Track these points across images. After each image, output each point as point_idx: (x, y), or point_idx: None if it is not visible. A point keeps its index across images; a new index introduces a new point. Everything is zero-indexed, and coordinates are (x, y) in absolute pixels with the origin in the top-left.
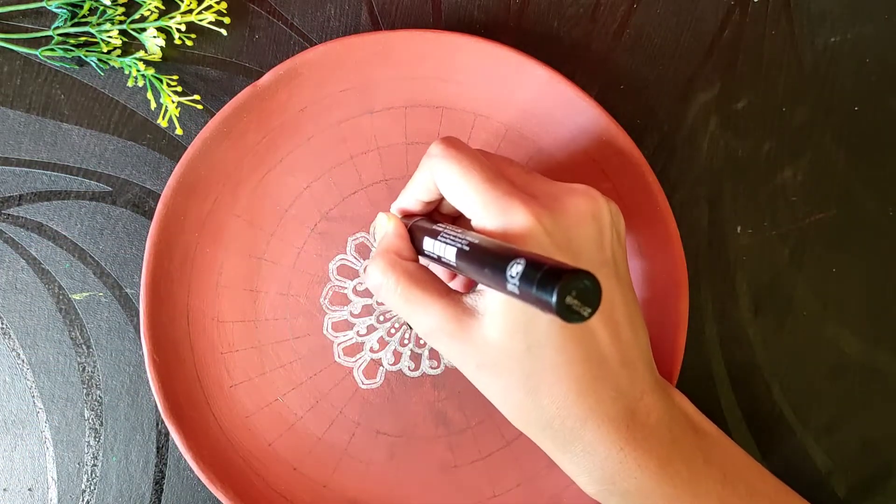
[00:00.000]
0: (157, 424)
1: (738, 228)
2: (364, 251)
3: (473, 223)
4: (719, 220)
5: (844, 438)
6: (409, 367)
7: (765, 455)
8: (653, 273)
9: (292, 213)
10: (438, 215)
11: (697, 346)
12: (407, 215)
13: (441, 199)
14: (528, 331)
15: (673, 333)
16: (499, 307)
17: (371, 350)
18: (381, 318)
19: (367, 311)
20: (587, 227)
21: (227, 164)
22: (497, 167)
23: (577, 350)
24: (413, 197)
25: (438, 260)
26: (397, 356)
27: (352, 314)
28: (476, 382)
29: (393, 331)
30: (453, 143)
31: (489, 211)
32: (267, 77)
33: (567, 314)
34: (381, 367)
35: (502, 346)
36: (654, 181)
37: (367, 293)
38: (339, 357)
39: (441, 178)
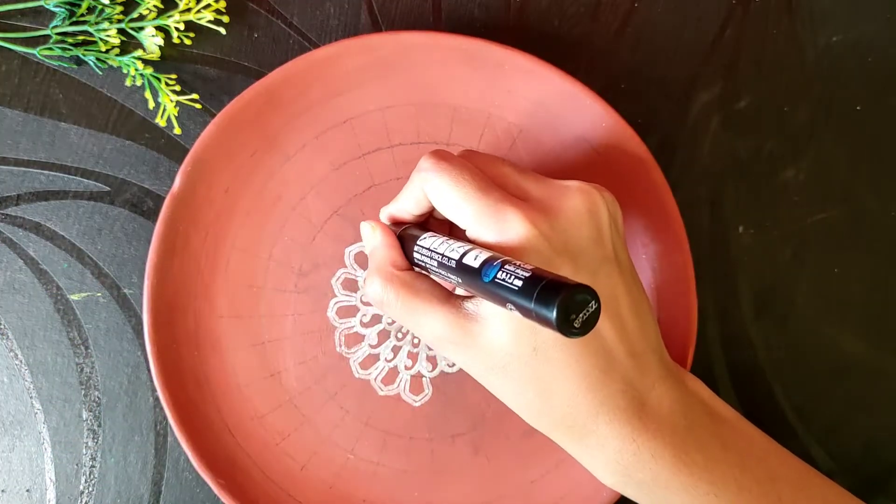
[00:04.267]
0: (156, 425)
1: (740, 228)
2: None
3: (469, 234)
4: (721, 220)
5: (847, 439)
6: (449, 365)
7: None
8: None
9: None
10: (434, 222)
11: (699, 346)
12: (396, 223)
13: (432, 210)
14: (532, 332)
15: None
16: (501, 311)
17: (406, 368)
18: (400, 336)
19: (376, 319)
20: (585, 226)
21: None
22: (488, 170)
23: (582, 347)
24: (404, 210)
25: (428, 271)
26: (433, 361)
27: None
28: (486, 385)
29: (411, 341)
30: (442, 156)
31: (484, 221)
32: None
33: (567, 329)
34: (424, 378)
35: (509, 350)
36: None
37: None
38: (379, 388)
39: (433, 191)
